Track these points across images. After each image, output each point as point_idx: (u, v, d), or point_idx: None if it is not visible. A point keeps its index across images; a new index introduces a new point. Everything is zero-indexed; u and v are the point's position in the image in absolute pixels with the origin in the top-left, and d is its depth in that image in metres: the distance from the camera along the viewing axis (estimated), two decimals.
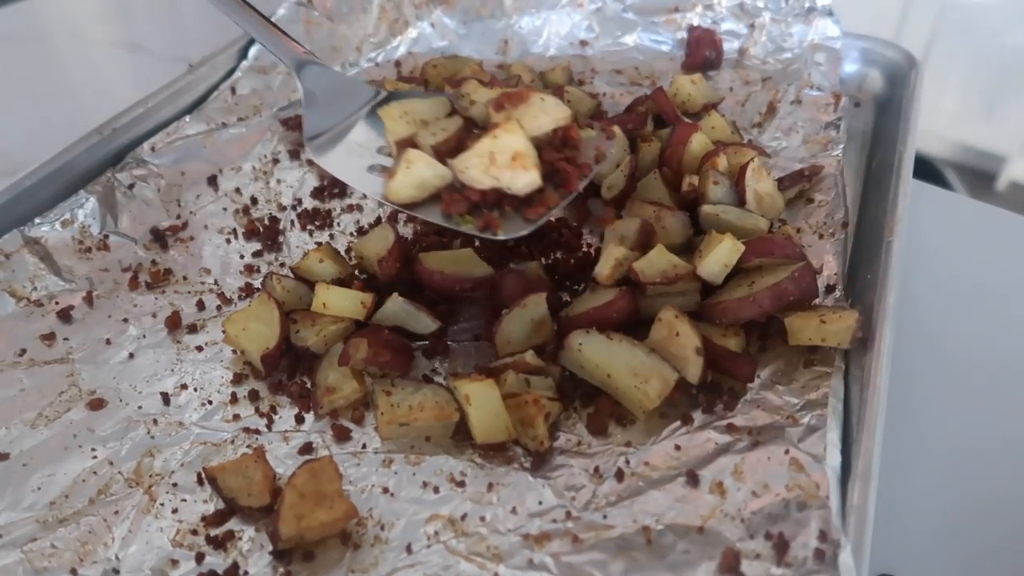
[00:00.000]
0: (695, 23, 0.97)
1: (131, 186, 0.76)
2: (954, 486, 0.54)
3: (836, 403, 0.52)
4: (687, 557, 0.46)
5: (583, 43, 1.00)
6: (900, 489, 0.52)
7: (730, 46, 0.95)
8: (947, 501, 0.53)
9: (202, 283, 0.70)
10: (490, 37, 1.00)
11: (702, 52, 0.94)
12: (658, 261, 0.60)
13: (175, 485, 0.54)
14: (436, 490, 0.52)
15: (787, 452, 0.50)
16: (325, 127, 0.67)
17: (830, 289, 0.62)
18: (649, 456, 0.52)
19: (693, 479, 0.50)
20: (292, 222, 0.76)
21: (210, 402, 0.59)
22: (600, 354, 0.55)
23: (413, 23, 1.01)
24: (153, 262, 0.72)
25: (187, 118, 0.84)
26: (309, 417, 0.58)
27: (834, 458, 0.49)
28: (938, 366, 0.63)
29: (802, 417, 0.52)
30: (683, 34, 0.97)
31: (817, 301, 0.59)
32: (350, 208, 0.78)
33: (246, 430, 0.57)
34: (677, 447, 0.52)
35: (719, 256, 0.58)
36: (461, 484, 0.52)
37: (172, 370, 0.62)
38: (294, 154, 0.84)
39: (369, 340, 0.57)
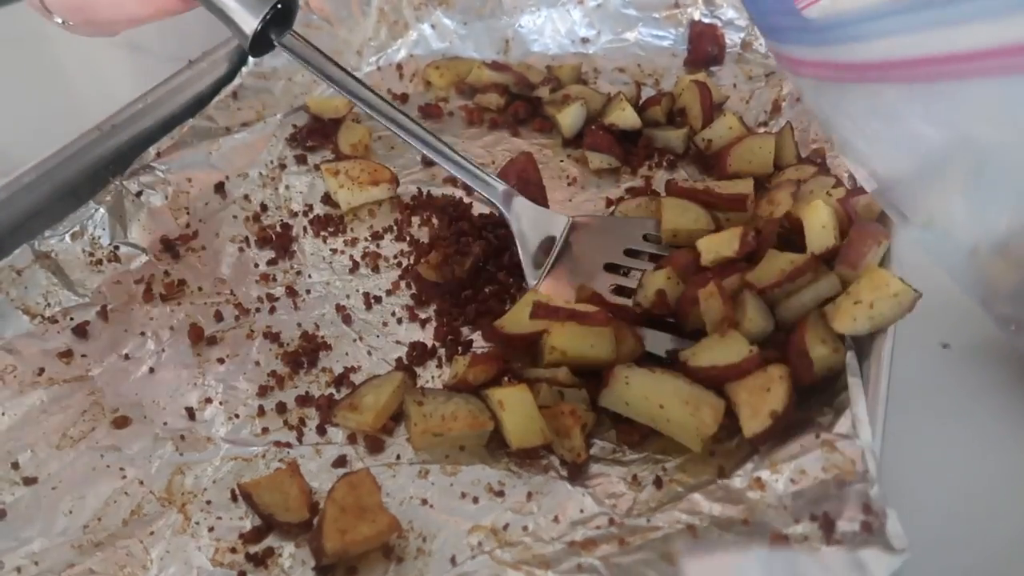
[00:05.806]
0: (696, 17, 0.98)
1: (139, 193, 0.75)
2: (955, 485, 0.54)
3: (855, 380, 0.51)
4: (737, 541, 0.46)
5: (584, 40, 1.00)
6: (900, 489, 0.52)
7: (732, 40, 0.96)
8: (948, 500, 0.53)
9: (218, 293, 0.69)
10: (491, 37, 1.00)
11: (704, 48, 0.94)
12: (773, 264, 0.57)
13: (209, 503, 0.53)
14: (475, 500, 0.52)
15: (818, 436, 0.49)
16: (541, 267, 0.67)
17: None
18: (685, 462, 0.53)
19: (731, 479, 0.50)
20: (305, 228, 0.76)
21: (237, 416, 0.59)
22: (647, 387, 0.54)
23: (413, 25, 1.00)
24: (166, 272, 0.70)
25: (189, 123, 0.83)
26: (336, 429, 0.57)
27: (865, 432, 0.47)
28: (939, 365, 0.63)
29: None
30: (684, 29, 0.97)
31: None
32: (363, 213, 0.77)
33: (277, 443, 0.57)
34: (711, 452, 0.53)
35: (815, 221, 0.57)
36: (500, 494, 0.52)
37: (195, 384, 0.61)
38: (301, 159, 0.83)
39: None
